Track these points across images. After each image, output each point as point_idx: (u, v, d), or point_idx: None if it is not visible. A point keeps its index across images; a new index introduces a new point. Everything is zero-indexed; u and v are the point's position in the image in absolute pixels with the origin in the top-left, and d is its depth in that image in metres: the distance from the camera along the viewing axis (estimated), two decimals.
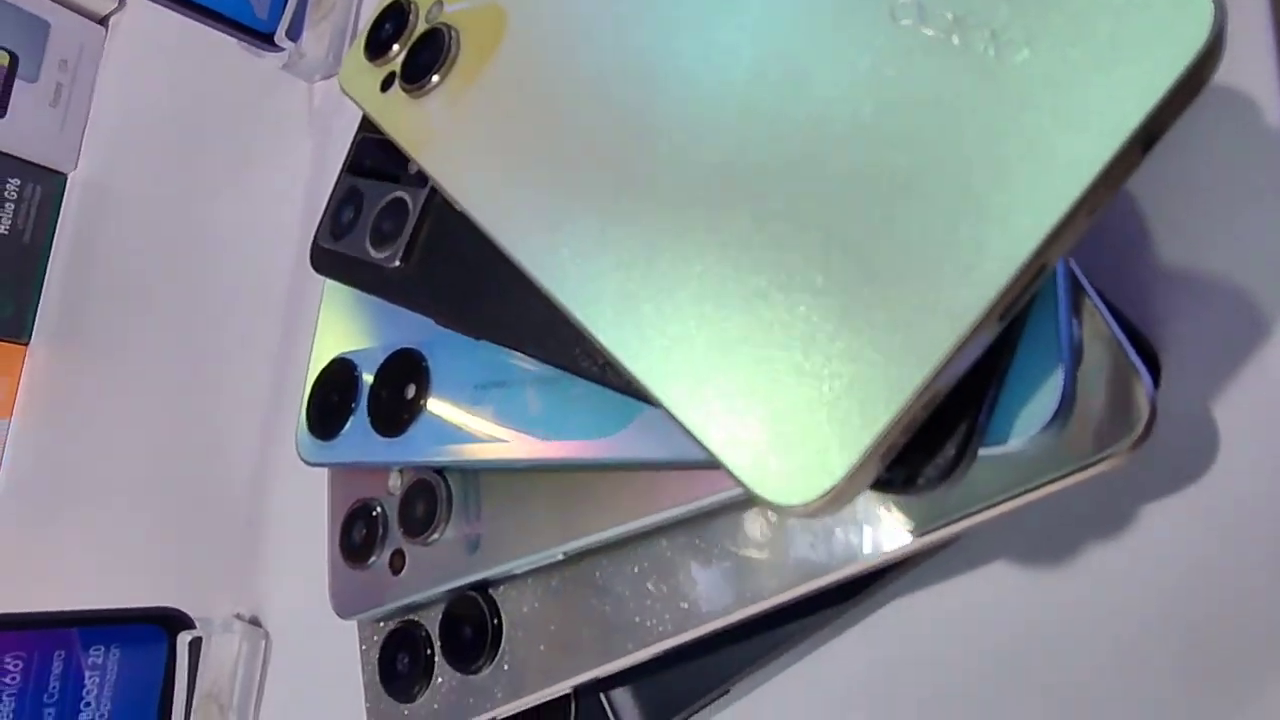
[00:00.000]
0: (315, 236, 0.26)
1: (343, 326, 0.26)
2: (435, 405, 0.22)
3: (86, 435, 0.43)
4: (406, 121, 0.22)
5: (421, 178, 0.23)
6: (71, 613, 0.29)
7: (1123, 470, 0.15)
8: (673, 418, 0.15)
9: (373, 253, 0.24)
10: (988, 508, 0.16)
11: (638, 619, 0.20)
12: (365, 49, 0.24)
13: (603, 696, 0.22)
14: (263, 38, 0.35)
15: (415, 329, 0.24)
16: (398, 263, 0.23)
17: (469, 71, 0.21)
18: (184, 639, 0.30)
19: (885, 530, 0.17)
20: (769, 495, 0.13)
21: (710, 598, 0.19)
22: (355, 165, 0.26)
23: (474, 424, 0.21)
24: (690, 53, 0.16)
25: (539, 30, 0.20)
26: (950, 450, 0.13)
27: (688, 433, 0.14)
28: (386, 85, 0.23)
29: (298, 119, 0.38)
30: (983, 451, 0.14)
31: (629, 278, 0.15)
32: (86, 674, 0.28)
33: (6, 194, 0.51)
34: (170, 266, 0.43)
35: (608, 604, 0.20)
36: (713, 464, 0.15)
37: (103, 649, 0.29)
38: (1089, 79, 0.12)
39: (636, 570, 0.20)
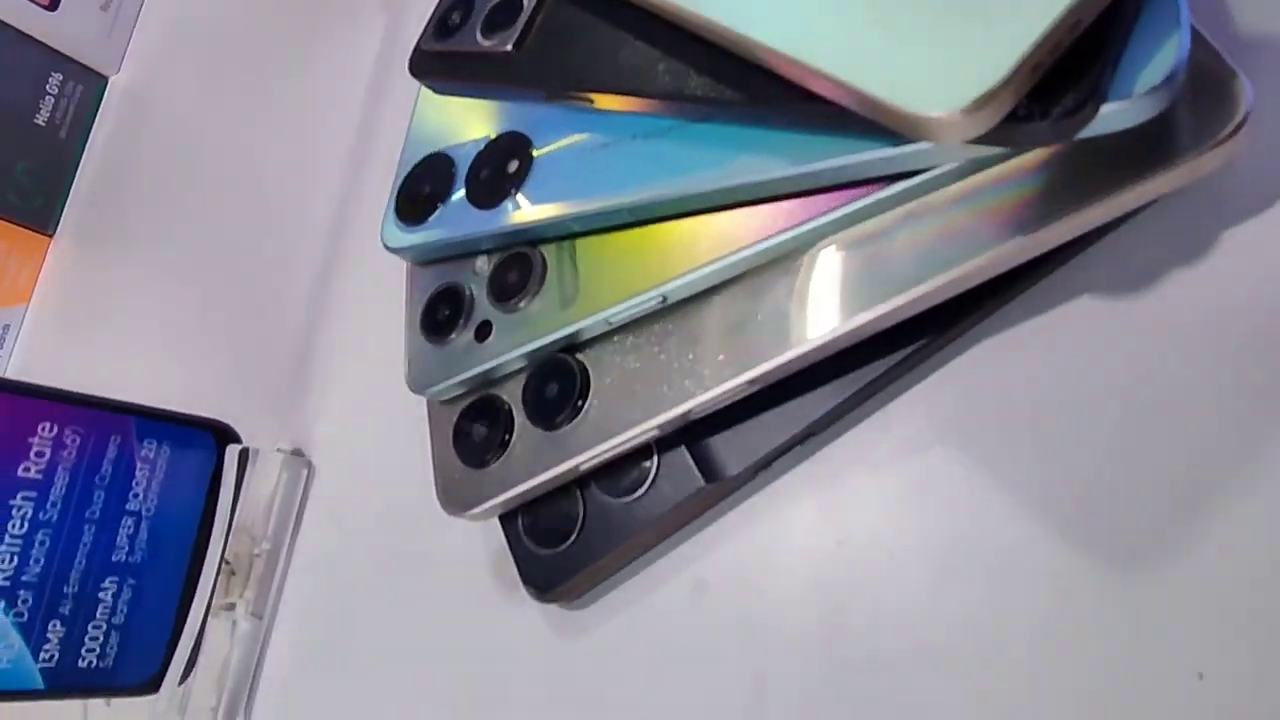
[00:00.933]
0: (418, 44, 0.27)
1: (434, 132, 0.27)
2: (540, 171, 0.24)
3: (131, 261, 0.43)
4: None
5: None
6: (130, 403, 0.29)
7: (1220, 165, 0.16)
8: (808, 69, 0.16)
9: (484, 43, 0.25)
10: (1096, 201, 0.17)
11: (724, 356, 0.21)
12: None
13: (685, 448, 0.23)
14: None
15: (512, 124, 0.25)
16: (510, 48, 0.24)
17: None
18: (233, 451, 0.30)
19: (990, 229, 0.18)
20: (916, 107, 0.15)
21: (806, 326, 0.20)
22: None
23: (582, 180, 0.23)
24: None
25: None
26: (1083, 89, 0.15)
27: (827, 80, 0.16)
28: None
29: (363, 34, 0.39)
30: (1105, 107, 0.16)
31: None
32: (138, 465, 0.28)
33: (49, 88, 0.51)
34: (209, 179, 0.44)
35: (696, 348, 0.22)
36: (839, 142, 0.16)
37: (155, 443, 0.29)
38: None
39: (727, 309, 0.21)
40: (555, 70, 0.23)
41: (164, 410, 0.29)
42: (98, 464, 0.27)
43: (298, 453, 0.32)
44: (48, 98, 0.51)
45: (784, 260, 0.21)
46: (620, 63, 0.22)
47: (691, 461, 0.22)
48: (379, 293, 0.34)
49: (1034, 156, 0.18)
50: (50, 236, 0.51)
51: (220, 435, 0.31)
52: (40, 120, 0.51)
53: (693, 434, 0.22)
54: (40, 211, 0.51)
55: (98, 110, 0.53)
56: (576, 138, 0.23)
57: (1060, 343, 0.20)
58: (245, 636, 0.31)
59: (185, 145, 0.47)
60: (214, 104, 0.46)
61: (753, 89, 0.19)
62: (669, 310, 0.22)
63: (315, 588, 0.31)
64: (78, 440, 0.27)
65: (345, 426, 0.32)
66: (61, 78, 0.52)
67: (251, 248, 0.39)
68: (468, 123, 0.26)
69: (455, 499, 0.24)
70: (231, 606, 0.31)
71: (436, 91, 0.27)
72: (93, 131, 0.53)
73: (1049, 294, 0.21)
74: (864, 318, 0.19)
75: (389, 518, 0.30)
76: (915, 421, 0.21)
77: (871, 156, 0.18)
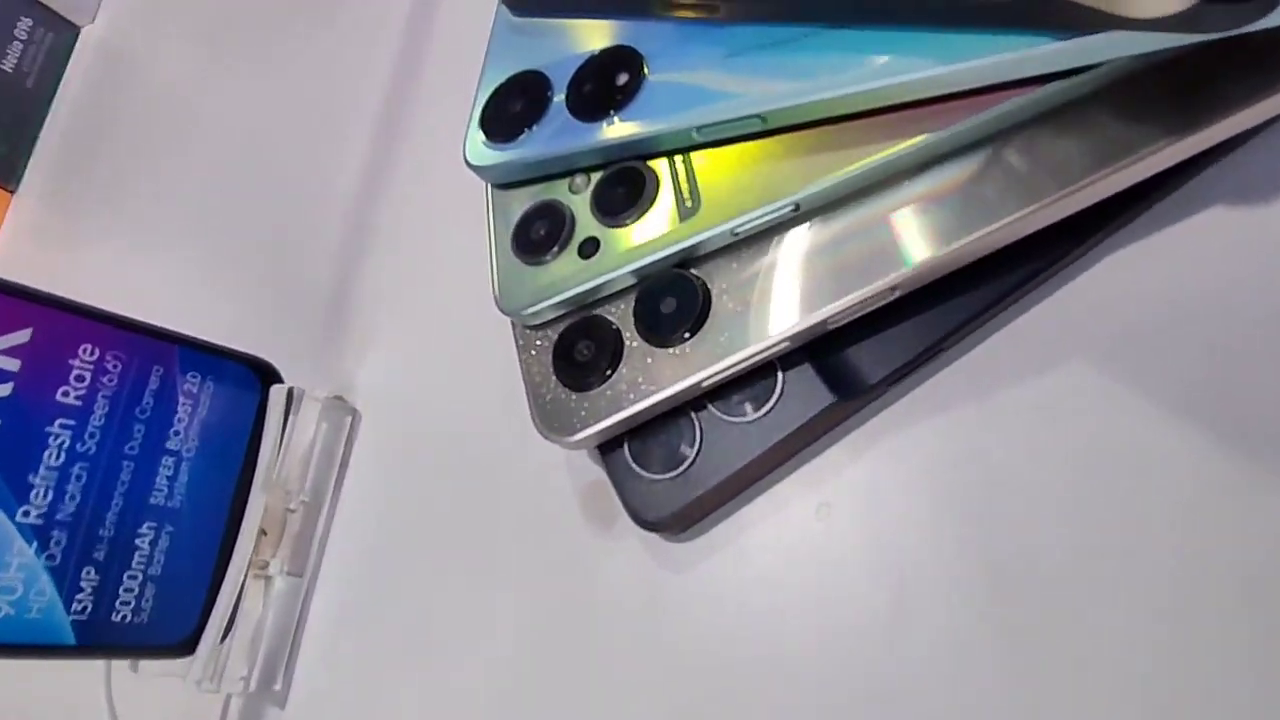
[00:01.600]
0: None
1: (520, 50, 0.26)
2: (655, 82, 0.23)
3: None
4: None
5: None
6: (175, 331, 0.26)
7: None
8: None
9: None
10: (1246, 104, 0.17)
11: (857, 264, 0.20)
12: None
13: (810, 365, 0.22)
14: None
15: (614, 39, 0.24)
16: None
17: None
18: (278, 391, 0.28)
19: (1146, 130, 0.18)
20: None
21: (938, 232, 0.20)
22: None
23: (705, 90, 0.22)
24: None
25: None
26: None
27: None
28: None
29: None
30: None
31: None
32: (180, 400, 0.26)
33: (17, 33, 0.48)
34: (200, 135, 0.41)
35: (823, 258, 0.21)
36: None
37: (199, 377, 0.27)
38: None
39: (868, 214, 0.21)
40: None
41: (208, 342, 0.27)
42: (139, 395, 0.25)
43: (339, 399, 0.30)
44: (15, 44, 0.48)
45: (927, 164, 0.20)
46: None
47: (819, 376, 0.22)
48: (420, 226, 0.32)
49: (1190, 55, 0.18)
50: (12, 193, 0.47)
51: (264, 373, 0.28)
52: (6, 66, 0.47)
53: (818, 348, 0.22)
54: (3, 164, 0.47)
55: (68, 61, 0.50)
56: (694, 49, 0.23)
57: (1193, 252, 0.21)
58: (282, 595, 0.28)
59: (169, 100, 0.44)
60: (202, 62, 0.44)
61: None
62: (798, 218, 0.21)
63: (363, 542, 0.29)
64: (120, 366, 0.25)
65: (393, 369, 0.30)
66: (31, 23, 0.48)
67: (263, 202, 0.36)
68: (561, 39, 0.25)
69: (558, 425, 0.23)
70: (265, 565, 0.28)
71: (520, 13, 0.26)
72: (63, 83, 0.49)
73: (1179, 206, 0.21)
74: (1017, 216, 0.19)
75: (445, 463, 0.28)
76: (1047, 332, 0.21)
77: (1037, 52, 0.18)
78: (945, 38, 0.19)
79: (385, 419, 0.30)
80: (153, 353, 0.25)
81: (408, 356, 0.30)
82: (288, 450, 0.28)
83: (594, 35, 0.25)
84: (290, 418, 0.29)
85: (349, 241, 0.33)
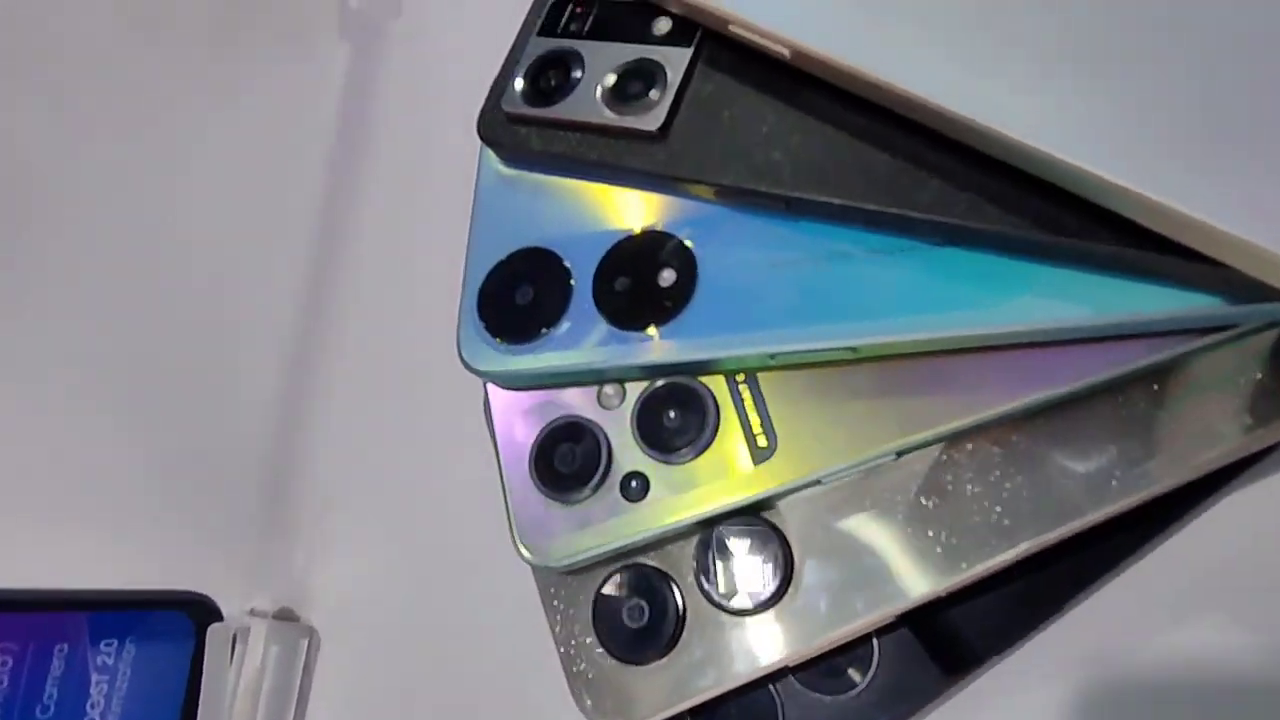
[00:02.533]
0: (495, 104, 0.21)
1: (520, 217, 0.21)
2: (711, 287, 0.19)
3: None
4: None
5: (679, 36, 0.20)
6: (80, 593, 0.20)
7: None
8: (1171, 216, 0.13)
9: (614, 116, 0.20)
10: None
11: (974, 527, 0.18)
12: None
13: (910, 630, 0.19)
14: None
15: (631, 213, 0.20)
16: (656, 129, 0.19)
17: None
18: (217, 634, 0.23)
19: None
20: None
21: (1070, 497, 0.17)
22: (551, 27, 0.22)
23: (777, 304, 0.18)
24: None
25: None
26: None
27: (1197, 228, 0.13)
28: None
29: (318, 23, 0.32)
30: None
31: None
32: (94, 679, 0.20)
33: None
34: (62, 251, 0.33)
35: (946, 515, 0.18)
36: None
37: (115, 644, 0.21)
38: None
39: (977, 469, 0.18)
40: (729, 165, 0.19)
41: (125, 594, 0.21)
42: (38, 689, 0.19)
43: (289, 614, 0.25)
44: None
45: (1058, 411, 0.18)
46: (823, 159, 0.18)
47: (921, 643, 0.19)
48: (378, 382, 0.27)
49: None
50: None
51: (200, 612, 0.23)
52: None
53: (920, 613, 0.19)
54: None
55: None
56: (754, 248, 0.19)
57: None
58: None
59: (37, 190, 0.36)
60: (82, 150, 0.36)
61: (1042, 217, 0.16)
62: (897, 463, 0.18)
63: None
64: (9, 662, 0.18)
65: (354, 573, 0.25)
66: None
67: (170, 344, 0.30)
68: (574, 207, 0.21)
69: (610, 706, 0.19)
70: None
71: (515, 166, 0.22)
72: None
73: None
74: (1164, 485, 0.17)
75: (423, 690, 0.23)
76: (1169, 583, 0.19)
77: (1203, 312, 0.16)
78: (1071, 274, 0.16)
79: (348, 638, 0.25)
80: (53, 630, 0.19)
81: (371, 558, 0.25)
82: (234, 696, 0.23)
83: (618, 208, 0.20)
84: (235, 648, 0.23)
85: (290, 405, 0.27)
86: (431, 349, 0.22)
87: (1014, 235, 0.16)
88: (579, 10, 0.22)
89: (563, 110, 0.20)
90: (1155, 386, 0.17)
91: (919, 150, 0.17)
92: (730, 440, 0.19)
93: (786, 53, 0.18)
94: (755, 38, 0.18)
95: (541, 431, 0.20)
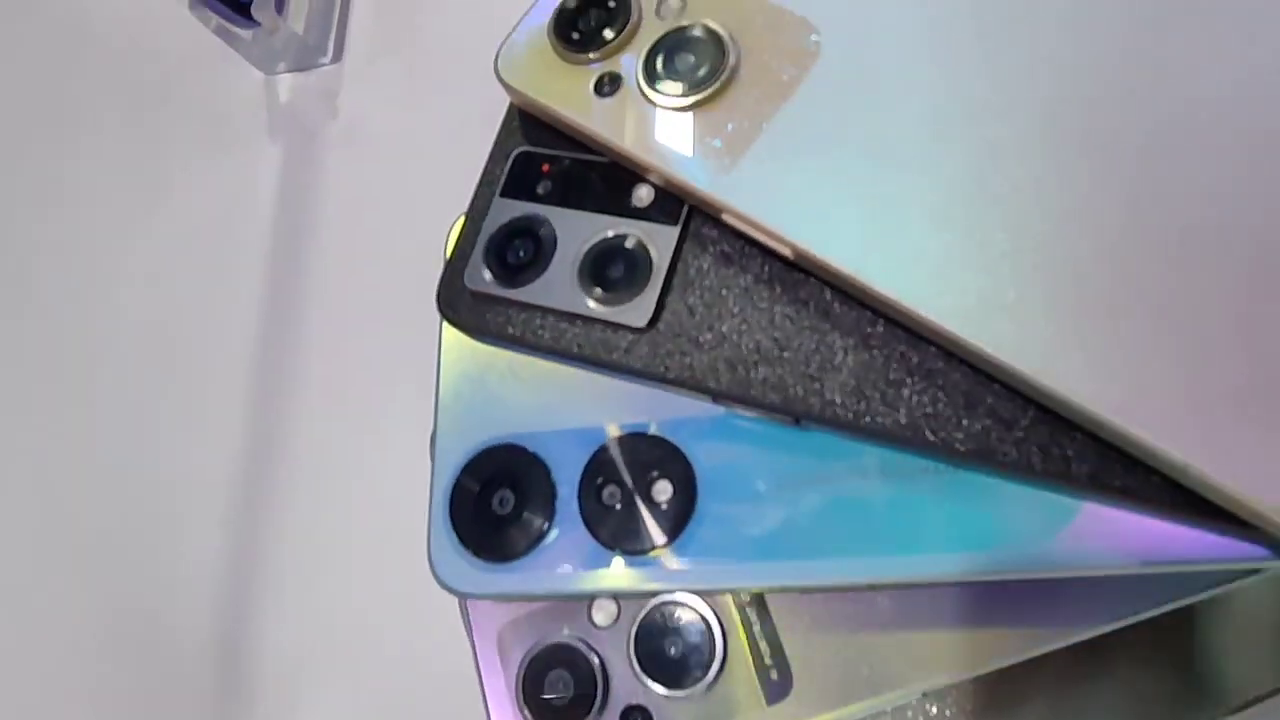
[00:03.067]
0: (457, 279, 0.19)
1: (490, 406, 0.19)
2: (712, 504, 0.17)
3: None
4: (668, 141, 0.17)
5: (662, 210, 0.18)
6: None
7: None
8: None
9: (594, 306, 0.18)
10: None
11: None
12: (555, 36, 0.18)
13: None
14: (234, 5, 0.26)
15: (614, 406, 0.18)
16: (643, 324, 0.17)
17: (766, 94, 0.17)
18: None
19: None
20: None
21: None
22: (516, 187, 0.19)
23: (790, 529, 0.16)
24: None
25: (864, 61, 0.16)
26: None
27: None
28: (607, 88, 0.18)
29: (248, 124, 0.29)
30: None
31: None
32: None
33: None
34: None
35: None
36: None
37: None
38: None
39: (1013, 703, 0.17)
40: (729, 371, 0.17)
41: None
42: None
43: None
44: None
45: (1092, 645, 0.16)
46: (837, 370, 0.16)
47: None
48: (325, 553, 0.25)
49: None
50: None
51: None
52: None
53: None
54: None
55: None
56: (759, 459, 0.17)
57: None
58: None
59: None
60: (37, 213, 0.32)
61: (1083, 455, 0.14)
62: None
63: None
64: None
65: None
66: None
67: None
68: (556, 397, 0.19)
69: None
70: None
71: (479, 340, 0.19)
72: None
73: None
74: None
75: None
76: None
77: (1246, 560, 0.14)
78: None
79: None
80: None
81: None
82: None
83: (604, 399, 0.18)
84: None
85: (243, 565, 0.25)
86: (396, 504, 0.20)
87: (1055, 473, 0.15)
88: (547, 169, 0.19)
89: (535, 294, 0.18)
90: (1190, 623, 0.16)
91: (954, 373, 0.15)
92: (740, 673, 0.17)
93: (789, 252, 0.16)
94: (753, 233, 0.16)
95: (529, 653, 0.18)
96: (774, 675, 0.17)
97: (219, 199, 0.28)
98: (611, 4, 0.19)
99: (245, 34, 0.27)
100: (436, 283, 0.19)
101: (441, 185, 0.25)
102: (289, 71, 0.28)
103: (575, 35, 0.19)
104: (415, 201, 0.26)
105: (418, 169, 0.26)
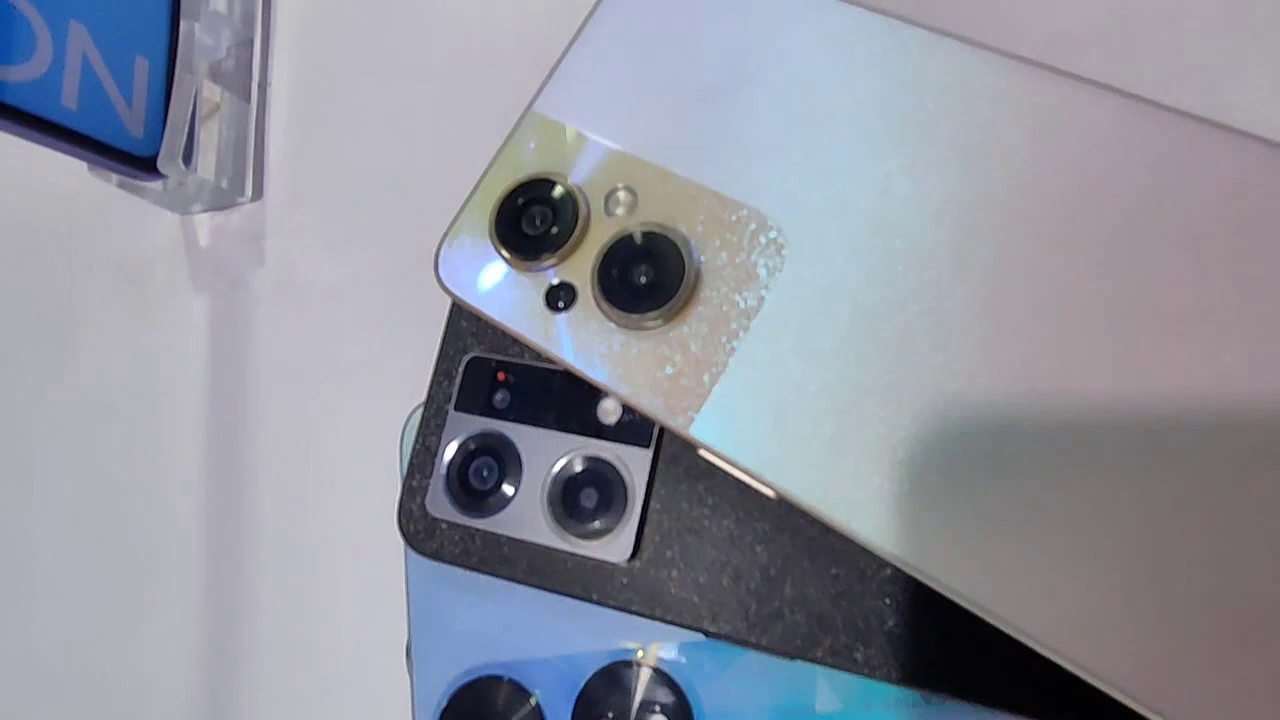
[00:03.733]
0: (418, 503, 0.18)
1: (466, 630, 0.18)
2: None
3: None
4: (633, 370, 0.16)
5: (633, 430, 0.17)
6: None
7: None
8: None
9: (570, 540, 0.17)
10: None
11: None
12: (499, 243, 0.17)
13: None
14: (136, 162, 0.23)
15: (596, 632, 0.17)
16: (625, 558, 0.16)
17: (734, 308, 0.16)
18: None
19: None
20: None
21: None
22: (471, 400, 0.18)
23: None
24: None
25: (832, 262, 0.15)
26: None
27: None
28: (560, 301, 0.16)
29: (166, 274, 0.26)
30: None
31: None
32: None
33: None
34: None
35: None
36: None
37: None
38: None
39: None
40: (716, 608, 0.16)
41: None
42: None
43: None
44: None
45: None
46: (827, 606, 0.15)
47: None
48: None
49: None
50: None
51: None
52: None
53: None
54: None
55: None
56: (757, 691, 0.16)
57: None
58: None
59: None
60: None
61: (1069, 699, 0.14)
62: None
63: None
64: None
65: None
66: None
67: None
68: (536, 626, 0.18)
69: None
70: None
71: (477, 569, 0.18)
72: None
73: None
74: None
75: None
76: None
77: None
78: None
79: None
80: None
81: None
82: None
83: (588, 629, 0.17)
84: None
85: None
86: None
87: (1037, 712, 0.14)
88: (503, 378, 0.18)
89: (504, 525, 0.17)
90: None
91: (946, 617, 0.15)
92: None
93: (770, 493, 0.15)
94: (732, 471, 0.15)
95: None
96: None
97: (138, 361, 0.26)
98: (557, 198, 0.17)
99: (154, 185, 0.24)
100: (396, 500, 0.18)
101: (381, 344, 0.24)
102: (206, 211, 0.26)
103: (520, 237, 0.17)
104: (356, 365, 0.24)
105: (355, 326, 0.24)
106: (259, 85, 0.26)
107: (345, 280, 0.25)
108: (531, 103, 0.18)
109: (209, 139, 0.26)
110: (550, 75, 0.18)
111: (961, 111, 0.15)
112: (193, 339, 0.26)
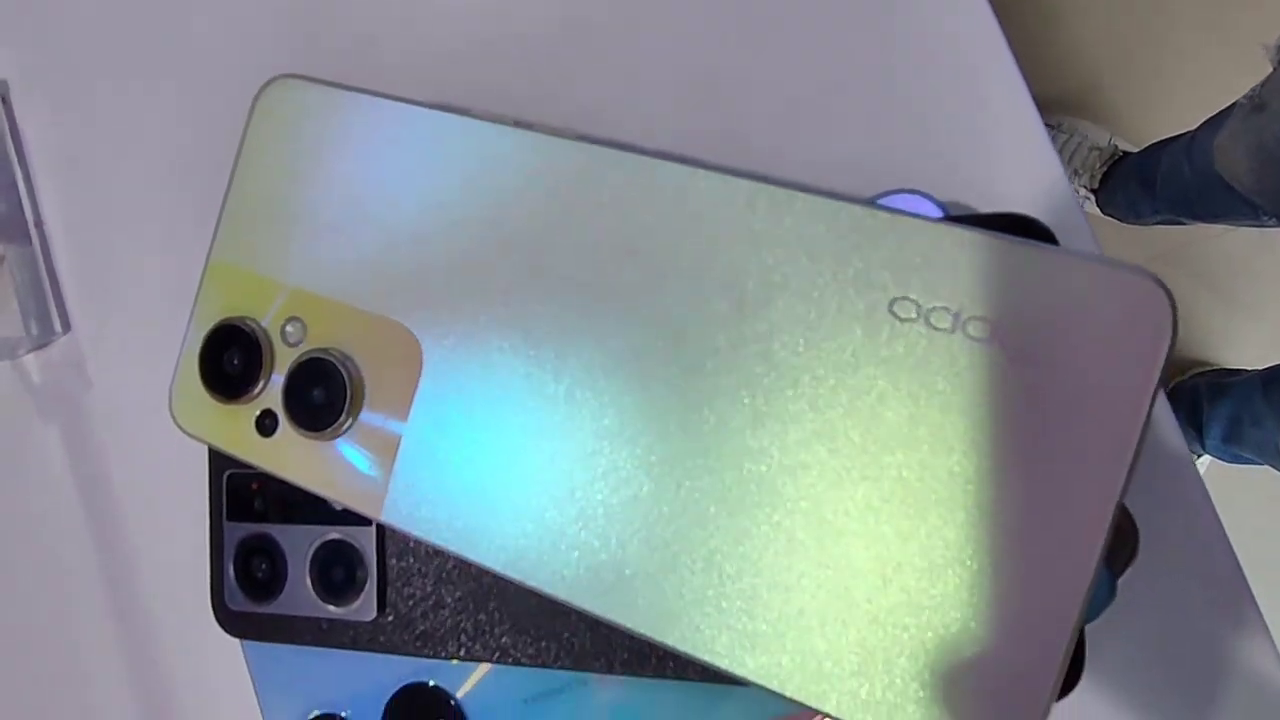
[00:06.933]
0: (222, 600, 0.22)
1: (296, 686, 0.23)
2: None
3: None
4: (330, 475, 0.19)
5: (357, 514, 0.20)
6: None
7: None
8: None
9: (332, 609, 0.21)
10: None
11: None
12: (208, 388, 0.20)
13: None
14: None
15: (390, 665, 0.22)
16: (373, 615, 0.20)
17: (392, 405, 0.19)
18: None
19: None
20: None
21: None
22: (237, 510, 0.22)
23: None
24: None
25: (463, 349, 0.18)
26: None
27: None
28: (267, 428, 0.20)
29: (17, 413, 0.30)
30: None
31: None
32: None
33: None
34: None
35: None
36: None
37: None
38: None
39: None
40: (451, 638, 0.20)
41: None
42: None
43: None
44: None
45: None
46: (527, 621, 0.19)
47: None
48: None
49: None
50: None
51: None
52: None
53: None
54: None
55: None
56: (509, 686, 0.21)
57: None
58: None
59: None
60: None
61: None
62: None
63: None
64: None
65: None
66: None
67: None
68: (345, 669, 0.22)
69: None
70: None
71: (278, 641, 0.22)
72: None
73: None
74: None
75: None
76: None
77: None
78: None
79: None
80: None
81: None
82: None
83: (372, 659, 0.22)
84: None
85: None
86: None
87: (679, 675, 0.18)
88: (256, 487, 0.22)
89: (283, 606, 0.21)
90: None
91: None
92: None
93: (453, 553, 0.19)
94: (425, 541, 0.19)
95: None
96: None
97: (12, 493, 0.30)
98: (243, 340, 0.20)
99: None
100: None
101: None
102: (30, 352, 0.29)
103: (224, 379, 0.20)
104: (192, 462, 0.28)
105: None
106: (35, 225, 0.29)
107: (165, 386, 0.28)
108: (209, 254, 0.21)
109: (4, 290, 0.28)
110: (217, 226, 0.21)
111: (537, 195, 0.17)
112: (57, 467, 0.29)
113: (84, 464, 0.29)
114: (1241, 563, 0.22)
